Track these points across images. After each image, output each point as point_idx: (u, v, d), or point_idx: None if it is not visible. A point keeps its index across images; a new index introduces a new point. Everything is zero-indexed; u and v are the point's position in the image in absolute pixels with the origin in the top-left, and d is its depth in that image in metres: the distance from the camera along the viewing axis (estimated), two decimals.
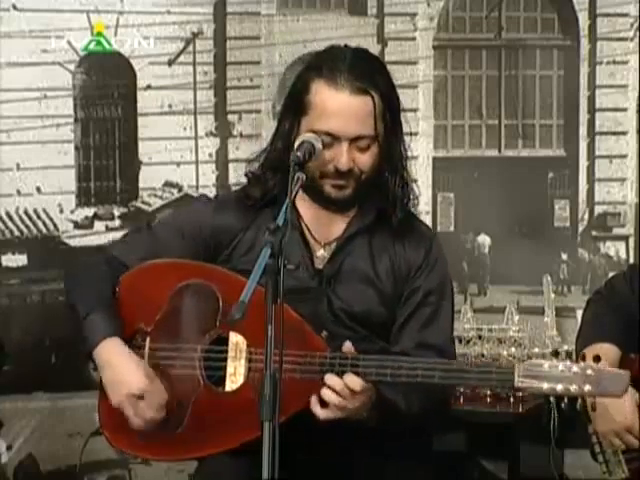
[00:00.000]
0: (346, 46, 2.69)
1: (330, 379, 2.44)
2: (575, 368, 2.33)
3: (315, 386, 2.48)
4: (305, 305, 2.59)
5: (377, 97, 2.59)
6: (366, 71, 2.61)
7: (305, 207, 2.65)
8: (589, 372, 2.32)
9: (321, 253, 2.68)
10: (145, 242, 2.73)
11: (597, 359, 2.34)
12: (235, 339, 2.54)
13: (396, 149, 2.67)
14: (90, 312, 2.57)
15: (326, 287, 2.65)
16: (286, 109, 2.68)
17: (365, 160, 2.61)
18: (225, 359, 2.56)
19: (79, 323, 2.59)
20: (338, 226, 2.70)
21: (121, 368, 2.54)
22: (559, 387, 2.34)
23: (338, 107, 2.58)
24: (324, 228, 2.69)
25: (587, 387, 2.32)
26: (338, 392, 2.43)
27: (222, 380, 2.57)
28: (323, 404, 2.46)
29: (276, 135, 2.69)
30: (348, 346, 2.49)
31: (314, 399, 2.46)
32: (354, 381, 2.44)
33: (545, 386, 2.35)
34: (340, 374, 2.46)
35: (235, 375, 2.54)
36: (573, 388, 2.33)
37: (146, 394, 2.52)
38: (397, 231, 2.69)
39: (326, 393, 2.44)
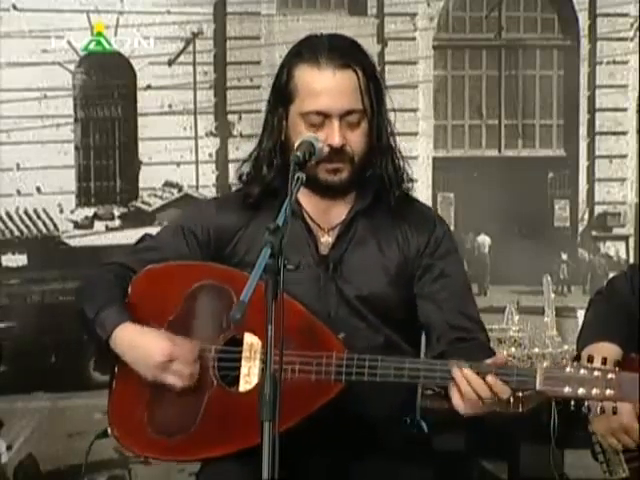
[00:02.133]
0: (322, 34, 2.72)
1: (473, 379, 2.39)
2: (596, 372, 2.33)
3: (330, 388, 2.47)
4: (313, 292, 2.60)
5: (360, 72, 2.63)
6: (345, 49, 2.66)
7: (305, 197, 2.65)
8: (610, 376, 2.32)
9: (325, 239, 2.70)
10: (149, 247, 2.75)
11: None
12: (250, 340, 2.54)
13: (384, 127, 2.69)
14: (100, 309, 2.58)
15: (332, 273, 2.66)
16: (272, 103, 2.71)
17: (357, 139, 2.63)
18: (239, 360, 2.55)
19: (90, 325, 2.59)
20: (340, 211, 2.71)
21: (142, 344, 2.55)
22: (581, 390, 2.33)
23: (324, 85, 2.61)
24: (326, 215, 2.70)
25: (609, 391, 2.32)
26: (480, 396, 2.39)
27: (235, 381, 2.57)
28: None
29: (264, 132, 2.72)
30: (500, 357, 2.46)
31: (456, 394, 2.42)
32: (501, 388, 2.39)
33: (566, 389, 2.35)
34: (357, 375, 2.45)
35: (249, 376, 2.54)
36: (594, 392, 2.33)
37: (174, 355, 2.52)
38: (400, 212, 2.70)
39: (470, 396, 2.39)
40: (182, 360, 2.53)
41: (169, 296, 2.63)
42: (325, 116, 2.60)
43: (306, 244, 2.65)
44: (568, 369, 2.35)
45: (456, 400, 2.42)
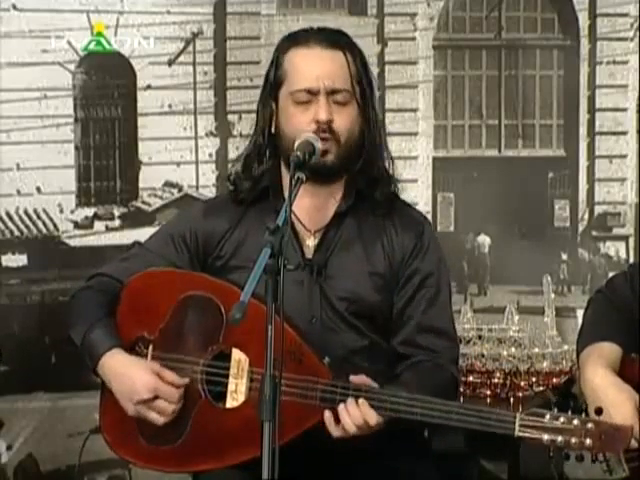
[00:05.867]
0: (311, 27, 2.75)
1: (351, 406, 2.42)
2: (576, 421, 2.34)
3: (315, 412, 2.47)
4: (297, 295, 2.58)
5: (350, 56, 2.65)
6: (335, 33, 2.69)
7: (297, 197, 2.54)
8: (590, 426, 2.33)
9: (311, 242, 2.68)
10: (138, 256, 2.74)
11: (599, 412, 2.35)
12: (238, 356, 2.53)
13: (375, 123, 2.68)
14: (87, 333, 2.56)
15: (317, 276, 2.64)
16: (263, 94, 2.71)
17: (344, 120, 2.61)
18: (226, 375, 2.55)
19: (80, 352, 2.59)
20: (327, 212, 2.69)
21: (128, 375, 2.53)
22: (559, 439, 2.34)
23: (312, 62, 2.63)
24: (314, 216, 2.68)
25: (588, 441, 2.33)
26: (355, 423, 2.42)
27: (222, 396, 2.56)
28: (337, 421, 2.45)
29: (257, 125, 2.71)
30: (358, 378, 2.47)
31: (329, 417, 2.44)
32: (371, 416, 2.42)
33: (545, 437, 2.35)
34: (342, 403, 2.45)
35: (236, 392, 2.53)
36: (573, 441, 2.34)
37: (159, 392, 2.51)
38: (387, 213, 2.69)
39: (346, 421, 2.42)
40: (166, 398, 2.52)
41: (162, 302, 2.61)
42: (312, 94, 2.60)
43: (292, 248, 2.63)
44: (547, 417, 2.35)
45: (328, 423, 2.44)
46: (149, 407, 2.52)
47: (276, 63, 2.67)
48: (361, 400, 2.42)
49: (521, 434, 2.37)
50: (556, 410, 2.38)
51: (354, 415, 2.42)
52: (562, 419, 2.34)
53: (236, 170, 2.75)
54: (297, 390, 2.46)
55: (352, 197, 2.68)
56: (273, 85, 2.67)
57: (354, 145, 2.64)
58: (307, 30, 2.70)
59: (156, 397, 2.51)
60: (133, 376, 2.52)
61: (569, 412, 2.37)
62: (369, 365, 2.61)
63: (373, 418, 2.42)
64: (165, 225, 2.86)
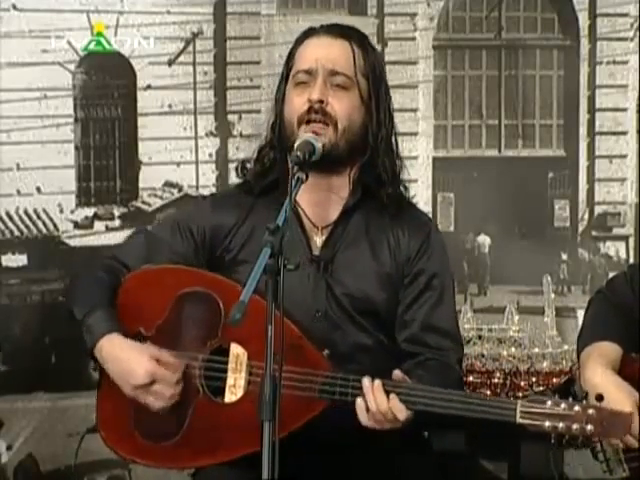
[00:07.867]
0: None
1: (379, 398, 2.42)
2: (577, 407, 2.34)
3: (314, 404, 2.47)
4: (303, 290, 2.59)
5: (357, 48, 2.65)
6: (347, 29, 2.71)
7: (303, 192, 2.52)
8: (591, 412, 2.33)
9: (319, 238, 2.68)
10: (144, 241, 2.74)
11: (600, 398, 2.35)
12: (236, 351, 2.53)
13: (383, 120, 2.67)
14: (88, 313, 2.56)
15: (323, 272, 2.64)
16: (278, 85, 2.72)
17: (342, 105, 2.61)
18: (225, 370, 2.55)
19: (79, 326, 2.59)
20: (334, 208, 2.69)
21: (126, 359, 2.53)
22: (561, 425, 2.35)
23: (316, 47, 2.66)
24: (321, 212, 2.68)
25: (589, 427, 2.33)
26: (383, 414, 2.42)
27: (220, 391, 2.56)
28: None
29: (269, 124, 2.72)
30: (397, 374, 2.47)
31: (361, 404, 2.44)
32: (400, 410, 2.42)
33: (547, 424, 2.36)
34: (341, 395, 2.46)
35: (235, 387, 2.53)
36: (575, 427, 2.34)
37: (157, 376, 2.51)
38: (394, 213, 2.69)
39: (375, 413, 2.42)
40: (164, 382, 2.52)
41: (159, 299, 2.61)
42: (310, 74, 2.61)
43: (299, 243, 2.64)
44: (549, 403, 2.36)
45: (361, 413, 2.44)
46: (147, 392, 2.52)
47: (289, 56, 2.70)
48: (392, 395, 2.41)
49: (522, 421, 2.37)
50: (557, 397, 2.38)
51: (381, 405, 2.41)
52: (563, 405, 2.35)
53: (246, 160, 2.76)
54: (296, 383, 2.46)
55: (359, 193, 2.68)
56: (284, 76, 2.69)
57: (354, 135, 2.64)
58: (323, 25, 2.72)
59: (154, 381, 2.51)
60: (131, 360, 2.52)
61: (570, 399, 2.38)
62: (373, 362, 2.61)
63: (402, 413, 2.41)
64: (172, 215, 2.86)
